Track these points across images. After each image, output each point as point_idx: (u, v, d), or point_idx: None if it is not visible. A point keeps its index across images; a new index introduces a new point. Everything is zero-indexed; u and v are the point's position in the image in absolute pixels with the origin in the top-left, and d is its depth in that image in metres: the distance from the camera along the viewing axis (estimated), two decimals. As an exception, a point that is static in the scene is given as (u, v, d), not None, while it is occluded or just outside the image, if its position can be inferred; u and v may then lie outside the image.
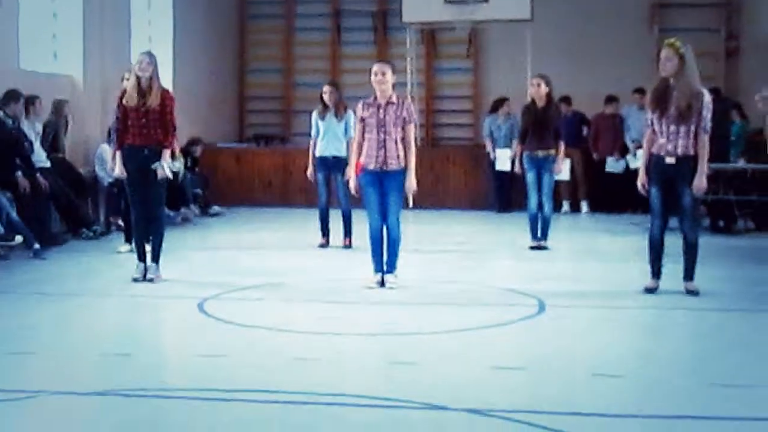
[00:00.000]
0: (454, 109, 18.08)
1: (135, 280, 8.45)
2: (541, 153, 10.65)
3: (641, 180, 7.93)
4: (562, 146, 10.77)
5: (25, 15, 11.95)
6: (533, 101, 10.83)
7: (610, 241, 11.86)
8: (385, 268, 8.28)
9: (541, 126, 10.64)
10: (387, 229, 8.26)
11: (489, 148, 14.99)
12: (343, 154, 10.73)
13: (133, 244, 9.05)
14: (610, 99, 15.20)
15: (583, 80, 15.66)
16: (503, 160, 14.21)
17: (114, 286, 8.37)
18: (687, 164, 7.68)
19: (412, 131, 8.27)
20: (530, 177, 10.72)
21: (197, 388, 5.20)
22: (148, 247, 8.60)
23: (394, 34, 17.47)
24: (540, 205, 10.68)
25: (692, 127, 7.65)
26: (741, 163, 12.55)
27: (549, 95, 10.74)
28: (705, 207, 12.12)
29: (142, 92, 8.37)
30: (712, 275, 8.50)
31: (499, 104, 15.08)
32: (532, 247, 10.67)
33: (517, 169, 10.96)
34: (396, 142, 8.17)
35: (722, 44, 16.73)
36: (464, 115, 18.03)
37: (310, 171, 10.97)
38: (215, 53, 17.37)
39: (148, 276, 8.47)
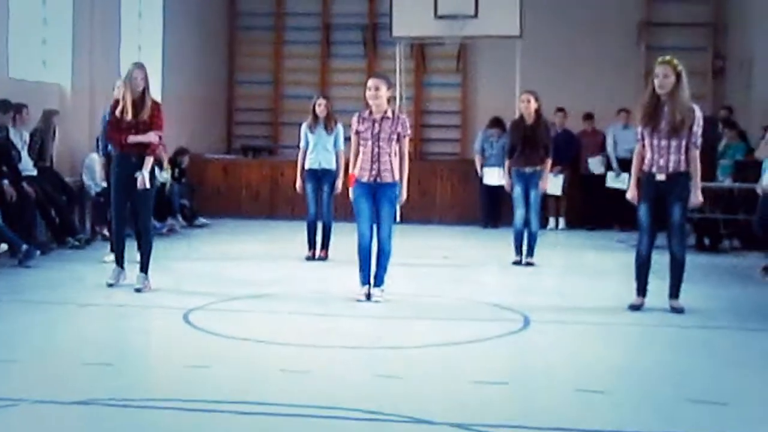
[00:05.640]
0: (442, 124, 18.12)
1: (110, 285, 8.48)
2: (528, 169, 10.67)
3: (631, 193, 7.95)
4: (548, 163, 10.81)
5: (15, 21, 11.91)
6: (522, 117, 10.86)
7: (595, 257, 11.88)
8: (372, 281, 8.28)
9: (530, 143, 10.64)
10: (378, 242, 8.26)
11: (477, 165, 14.98)
12: (332, 166, 10.77)
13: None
14: (588, 116, 15.33)
15: (571, 97, 15.68)
16: (491, 175, 14.27)
17: (99, 295, 8.34)
18: (678, 180, 7.71)
19: (406, 145, 8.31)
20: (517, 192, 10.72)
21: (181, 398, 5.18)
22: (136, 255, 8.60)
23: (383, 48, 17.50)
24: (526, 221, 10.70)
25: (683, 142, 7.68)
26: (727, 183, 12.60)
27: (538, 111, 10.77)
28: (691, 225, 12.16)
29: (136, 106, 8.44)
30: (697, 293, 8.53)
31: (495, 123, 15.06)
32: (516, 262, 10.69)
33: (506, 186, 10.92)
34: (390, 156, 8.21)
35: (709, 63, 16.86)
36: (453, 130, 18.07)
37: (299, 183, 10.98)
38: (205, 63, 17.37)
39: (136, 286, 8.46)
